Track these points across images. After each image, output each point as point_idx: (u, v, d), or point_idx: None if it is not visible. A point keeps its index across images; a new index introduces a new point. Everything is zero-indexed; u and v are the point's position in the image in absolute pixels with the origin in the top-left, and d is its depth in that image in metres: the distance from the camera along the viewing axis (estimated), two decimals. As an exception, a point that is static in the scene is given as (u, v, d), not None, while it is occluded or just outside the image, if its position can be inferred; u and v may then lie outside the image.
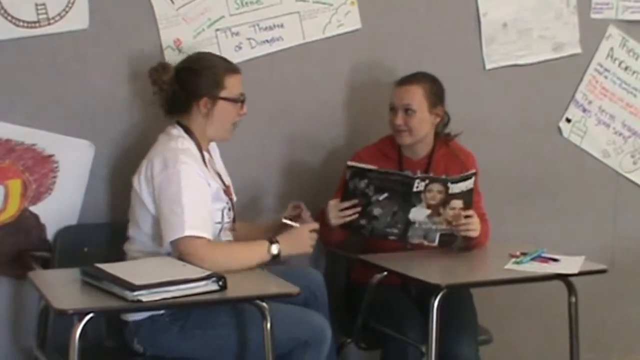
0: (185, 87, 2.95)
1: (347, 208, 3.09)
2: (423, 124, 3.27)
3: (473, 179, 3.11)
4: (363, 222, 3.09)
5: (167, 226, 2.78)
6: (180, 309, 2.76)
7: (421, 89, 3.26)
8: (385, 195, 3.04)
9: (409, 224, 3.08)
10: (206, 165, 2.94)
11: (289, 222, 3.01)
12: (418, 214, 3.07)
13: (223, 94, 2.95)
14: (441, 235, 3.13)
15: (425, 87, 3.27)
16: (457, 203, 3.08)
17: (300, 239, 2.92)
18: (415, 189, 3.02)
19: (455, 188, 3.06)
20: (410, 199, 3.04)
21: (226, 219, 2.97)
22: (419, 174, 3.07)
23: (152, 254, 2.86)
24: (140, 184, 2.88)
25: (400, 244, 3.14)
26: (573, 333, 3.22)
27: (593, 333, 3.98)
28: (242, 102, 3.00)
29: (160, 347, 2.83)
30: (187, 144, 2.92)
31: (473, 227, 3.13)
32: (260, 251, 2.85)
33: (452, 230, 3.12)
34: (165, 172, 2.81)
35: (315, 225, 2.97)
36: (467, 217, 3.11)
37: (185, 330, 2.79)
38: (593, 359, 3.98)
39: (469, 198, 3.11)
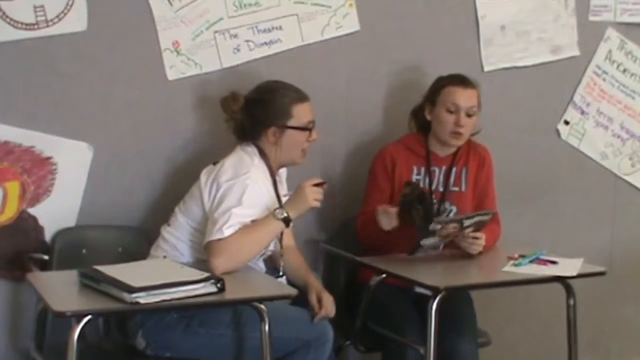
0: (254, 117, 3.04)
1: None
2: (475, 126, 3.34)
3: (490, 216, 3.12)
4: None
5: (208, 229, 2.84)
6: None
7: (478, 92, 3.33)
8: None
9: (418, 246, 3.09)
10: (276, 189, 3.01)
11: None
12: (429, 241, 3.09)
13: (290, 122, 3.02)
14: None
15: (479, 91, 3.33)
16: (468, 230, 3.10)
17: (302, 196, 2.92)
18: (431, 229, 3.02)
19: (468, 222, 3.07)
20: (423, 234, 3.04)
21: (271, 247, 3.02)
22: (436, 219, 3.04)
23: (189, 242, 2.97)
24: (207, 183, 2.94)
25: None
26: (571, 335, 3.22)
27: (591, 335, 3.98)
28: (311, 129, 3.05)
29: (164, 343, 2.84)
30: (261, 164, 3.00)
31: (475, 247, 3.14)
32: (268, 222, 2.87)
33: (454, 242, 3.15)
34: (232, 182, 2.88)
35: (318, 179, 2.98)
36: (474, 238, 3.13)
37: (190, 328, 2.81)
38: (591, 361, 3.99)
39: (480, 226, 3.12)
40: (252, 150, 3.03)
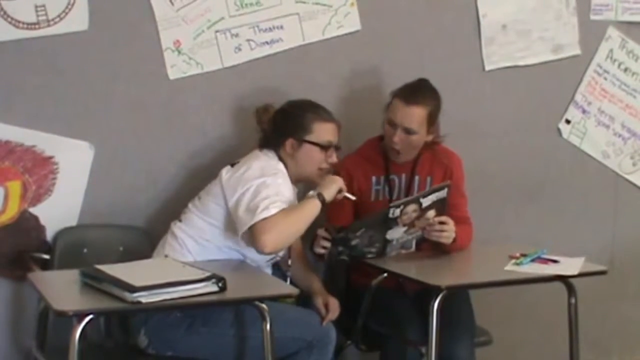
0: (277, 127, 3.08)
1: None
2: (419, 143, 3.25)
3: (446, 189, 3.09)
4: (340, 249, 3.04)
5: (243, 218, 2.84)
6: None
7: (425, 110, 3.19)
8: (362, 230, 3.01)
9: (386, 242, 3.08)
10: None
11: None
12: (395, 233, 3.07)
13: (308, 137, 3.05)
14: (417, 242, 3.16)
15: (428, 108, 3.19)
16: (430, 213, 3.08)
17: (330, 178, 3.02)
18: (391, 216, 3.00)
19: (427, 201, 3.05)
20: (386, 224, 3.03)
21: (280, 253, 3.03)
22: (392, 203, 3.03)
23: (201, 240, 2.96)
24: (230, 180, 2.94)
25: None
26: (573, 334, 3.22)
27: (593, 334, 3.98)
28: (329, 148, 3.07)
29: (166, 341, 2.85)
30: (284, 169, 3.03)
31: (446, 234, 3.11)
32: (307, 202, 2.92)
33: (424, 235, 3.13)
34: (264, 179, 2.90)
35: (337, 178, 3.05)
36: (441, 223, 3.10)
37: (192, 327, 2.82)
38: (593, 360, 3.99)
39: (441, 206, 3.10)
40: (273, 156, 3.05)
